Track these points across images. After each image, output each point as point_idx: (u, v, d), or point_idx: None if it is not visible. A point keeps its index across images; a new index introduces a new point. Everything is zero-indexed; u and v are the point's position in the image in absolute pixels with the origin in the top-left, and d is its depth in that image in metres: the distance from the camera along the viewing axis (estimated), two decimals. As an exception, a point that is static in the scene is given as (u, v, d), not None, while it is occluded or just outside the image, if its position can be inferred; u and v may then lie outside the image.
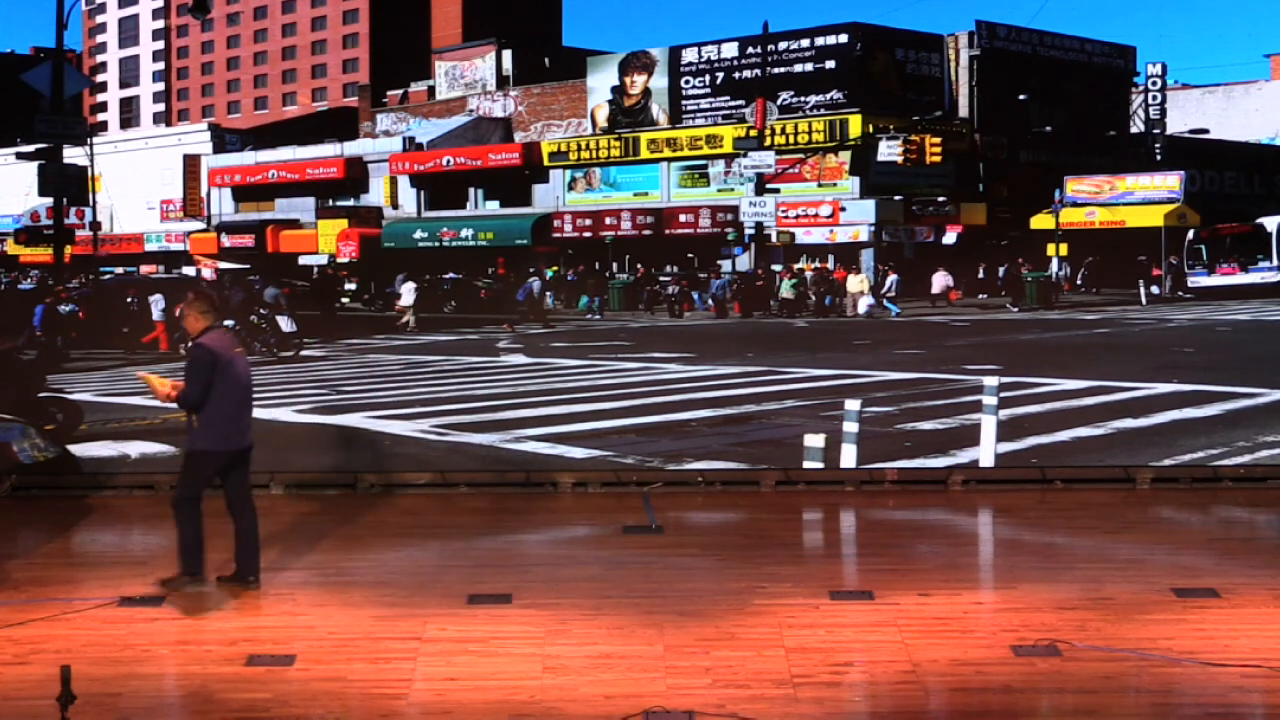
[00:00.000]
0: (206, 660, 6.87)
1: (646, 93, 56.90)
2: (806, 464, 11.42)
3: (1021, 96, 51.89)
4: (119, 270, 57.66)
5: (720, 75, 54.53)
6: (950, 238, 49.70)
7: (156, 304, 29.76)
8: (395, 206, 60.65)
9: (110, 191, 63.67)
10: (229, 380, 8.32)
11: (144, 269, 61.28)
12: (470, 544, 9.55)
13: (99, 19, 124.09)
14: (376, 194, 61.07)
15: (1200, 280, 45.04)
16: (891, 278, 42.04)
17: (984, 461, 11.79)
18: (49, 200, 34.18)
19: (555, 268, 49.77)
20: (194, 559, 8.33)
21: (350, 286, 52.74)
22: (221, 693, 6.44)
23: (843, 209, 49.22)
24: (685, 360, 24.81)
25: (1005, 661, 6.78)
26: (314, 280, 51.74)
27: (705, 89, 54.97)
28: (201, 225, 65.90)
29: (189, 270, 57.20)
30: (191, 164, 66.81)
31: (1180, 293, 44.69)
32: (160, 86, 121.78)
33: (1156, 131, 56.49)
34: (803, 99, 51.72)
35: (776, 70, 51.70)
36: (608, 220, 53.55)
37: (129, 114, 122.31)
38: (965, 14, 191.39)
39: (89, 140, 42.55)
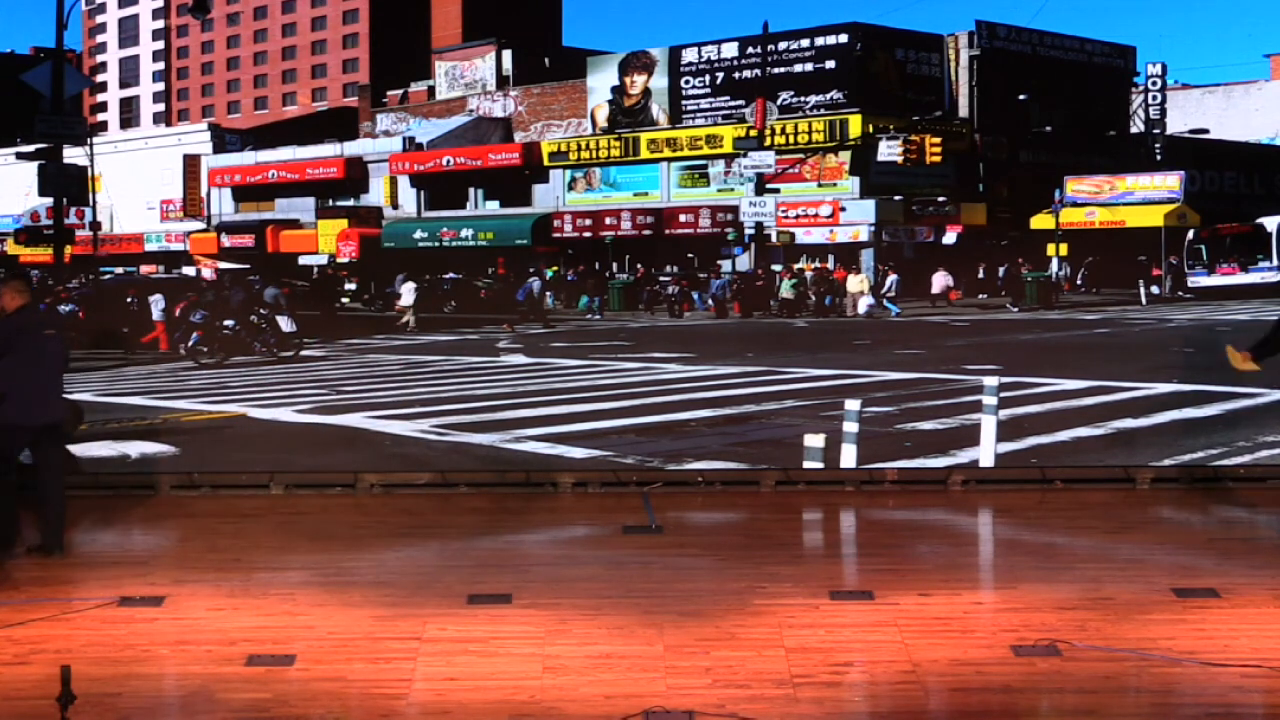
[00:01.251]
0: (206, 660, 6.86)
1: (646, 93, 56.90)
2: (806, 464, 11.41)
3: (1021, 96, 51.90)
4: (119, 270, 57.69)
5: (720, 75, 54.53)
6: (950, 238, 49.72)
7: (156, 304, 29.77)
8: (395, 206, 60.66)
9: (110, 191, 63.69)
10: (36, 357, 8.83)
11: (144, 269, 61.32)
12: (470, 544, 9.55)
13: (99, 19, 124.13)
14: (376, 194, 61.08)
15: (1200, 280, 45.06)
16: (891, 278, 42.04)
17: (984, 461, 11.79)
18: (49, 200, 34.18)
19: (555, 268, 49.78)
20: (5, 528, 8.84)
21: (350, 286, 52.77)
22: (221, 693, 6.43)
23: (843, 209, 49.24)
24: (685, 360, 24.82)
25: (1005, 661, 6.78)
26: (314, 280, 51.79)
27: (705, 89, 54.97)
28: (201, 225, 65.92)
29: (189, 270, 57.23)
30: (191, 164, 66.82)
31: (1180, 293, 44.71)
32: (160, 86, 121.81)
33: (1156, 131, 56.50)
34: (803, 99, 51.72)
35: (776, 70, 51.71)
36: (608, 220, 53.56)
37: (129, 114, 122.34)
38: (965, 14, 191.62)
39: (89, 140, 42.56)
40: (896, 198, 49.21)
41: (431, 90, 70.60)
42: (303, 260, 58.40)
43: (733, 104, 52.80)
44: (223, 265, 57.59)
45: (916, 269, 44.60)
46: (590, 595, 7.94)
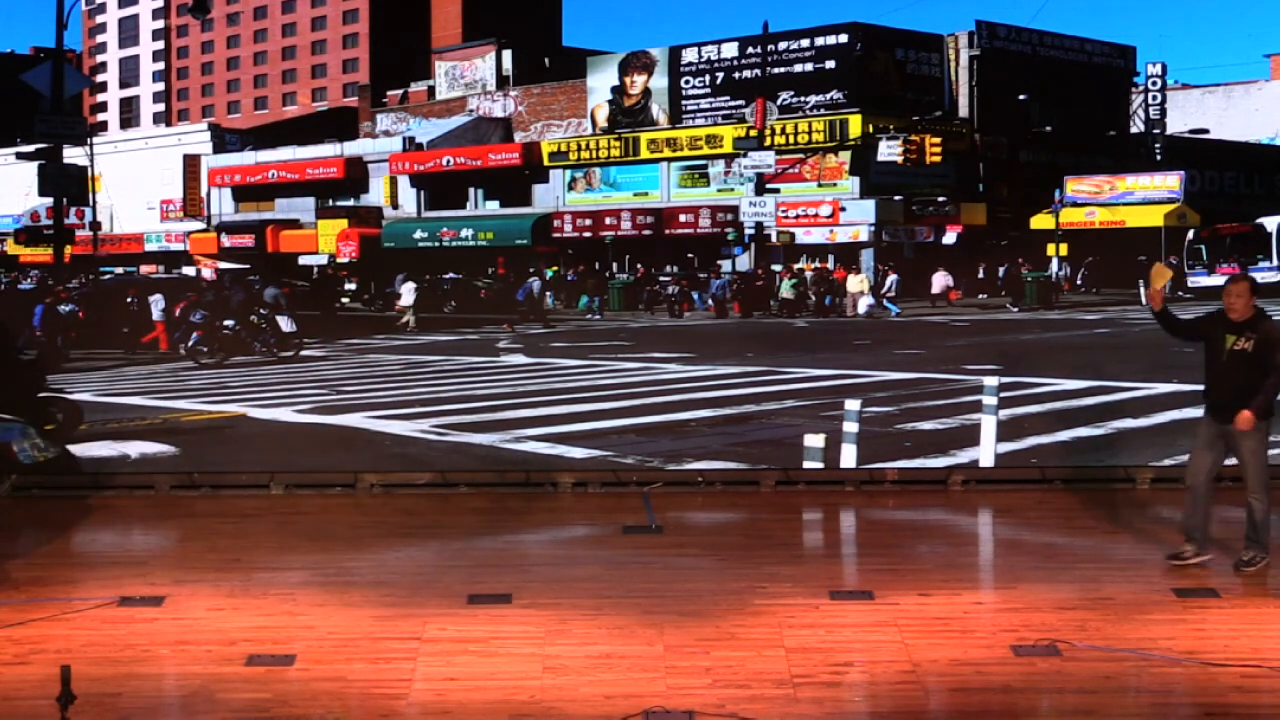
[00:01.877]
0: (206, 660, 6.87)
1: (646, 93, 56.89)
2: (806, 464, 11.42)
3: (1021, 96, 51.90)
4: (119, 270, 57.66)
5: (720, 75, 54.52)
6: (950, 238, 49.70)
7: (156, 304, 29.75)
8: (395, 206, 60.65)
9: (110, 191, 63.65)
10: None
11: (144, 269, 61.29)
12: (470, 544, 9.55)
13: (99, 19, 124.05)
14: (376, 194, 61.07)
15: (1200, 280, 45.00)
16: (891, 278, 42.04)
17: (984, 461, 11.78)
18: (49, 200, 34.19)
19: (555, 268, 49.77)
20: None
21: (350, 286, 52.76)
22: (221, 693, 6.43)
23: (843, 209, 49.23)
24: (685, 360, 24.81)
25: (1005, 661, 6.78)
26: (314, 280, 51.78)
27: (705, 89, 54.96)
28: (201, 225, 65.90)
29: (189, 270, 57.22)
30: (191, 164, 66.81)
31: (1180, 293, 44.60)
32: (160, 86, 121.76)
33: (1156, 131, 56.51)
34: (803, 99, 51.71)
35: (776, 70, 51.69)
36: (608, 220, 53.55)
37: (129, 114, 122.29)
38: (965, 14, 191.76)
39: (89, 140, 42.55)
40: (896, 198, 49.19)
41: (431, 90, 70.57)
42: (303, 260, 58.38)
43: (733, 104, 52.78)
44: (223, 265, 57.56)
45: (916, 269, 44.59)
46: (590, 595, 7.95)
